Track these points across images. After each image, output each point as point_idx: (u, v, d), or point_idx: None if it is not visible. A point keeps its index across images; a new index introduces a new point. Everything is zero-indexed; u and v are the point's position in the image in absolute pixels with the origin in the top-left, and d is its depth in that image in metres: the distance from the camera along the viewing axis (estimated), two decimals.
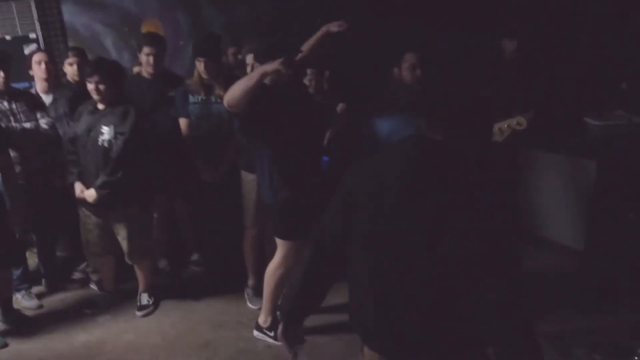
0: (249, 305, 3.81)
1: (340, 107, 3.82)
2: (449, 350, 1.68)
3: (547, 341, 3.13)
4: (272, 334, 3.38)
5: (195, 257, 4.34)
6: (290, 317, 1.99)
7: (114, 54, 4.56)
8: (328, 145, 3.73)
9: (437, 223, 1.57)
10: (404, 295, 1.66)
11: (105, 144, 3.40)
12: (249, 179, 3.60)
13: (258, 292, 3.71)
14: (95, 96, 3.42)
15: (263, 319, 3.42)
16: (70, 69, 4.02)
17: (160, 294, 3.98)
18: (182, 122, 3.81)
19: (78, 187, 3.53)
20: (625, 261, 3.41)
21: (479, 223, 1.56)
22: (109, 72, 3.40)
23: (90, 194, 3.46)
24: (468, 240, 1.54)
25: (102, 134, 3.41)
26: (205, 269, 4.27)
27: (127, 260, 3.71)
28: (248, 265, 3.86)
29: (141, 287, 3.86)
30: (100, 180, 3.42)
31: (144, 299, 3.86)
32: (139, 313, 3.79)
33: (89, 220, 3.62)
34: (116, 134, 3.40)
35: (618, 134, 3.70)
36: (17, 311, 3.75)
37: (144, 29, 4.41)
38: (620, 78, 3.72)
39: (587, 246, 3.61)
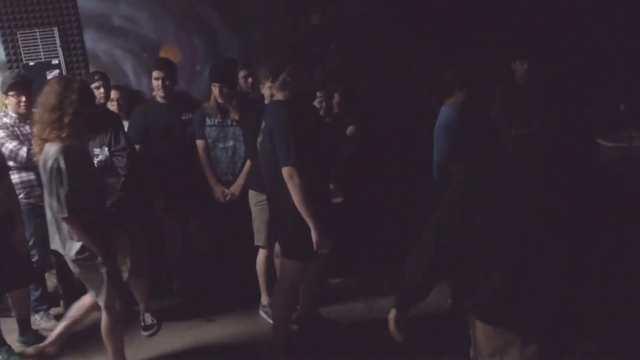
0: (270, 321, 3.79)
1: (349, 129, 3.86)
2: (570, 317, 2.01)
3: None
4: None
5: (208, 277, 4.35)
6: (406, 304, 2.21)
7: (133, 80, 4.66)
8: (340, 168, 3.76)
9: (564, 207, 1.92)
10: (537, 270, 1.95)
11: (102, 164, 3.47)
12: (259, 199, 3.63)
13: None
14: None
15: (275, 338, 3.41)
16: (97, 92, 4.08)
17: (174, 314, 4.01)
18: (199, 143, 3.89)
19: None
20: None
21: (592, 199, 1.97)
22: None
23: None
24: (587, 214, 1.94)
25: (96, 156, 3.47)
26: (215, 290, 4.28)
27: (125, 277, 3.70)
28: (262, 284, 3.87)
29: (143, 306, 3.88)
30: (113, 198, 3.44)
31: (148, 318, 3.89)
32: (145, 333, 3.83)
33: None
34: (114, 152, 3.47)
35: (632, 155, 3.69)
36: (35, 332, 3.81)
37: (162, 55, 4.51)
38: (618, 99, 3.73)
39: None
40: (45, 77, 4.49)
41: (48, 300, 4.10)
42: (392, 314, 2.21)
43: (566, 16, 4.37)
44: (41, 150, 2.86)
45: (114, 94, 4.30)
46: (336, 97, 3.98)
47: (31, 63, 4.61)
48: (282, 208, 3.11)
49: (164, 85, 3.98)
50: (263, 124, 3.10)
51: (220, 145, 3.87)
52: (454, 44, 4.31)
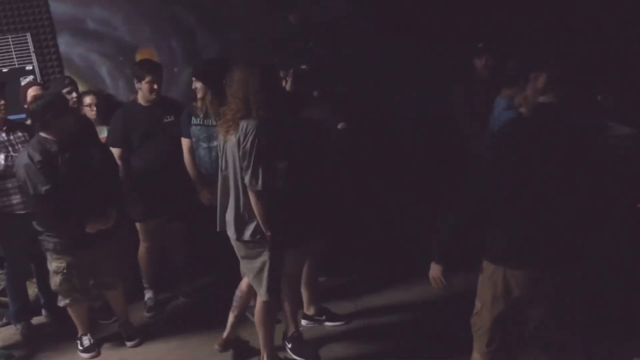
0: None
1: (340, 125, 3.86)
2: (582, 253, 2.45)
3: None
4: (290, 345, 3.52)
5: (184, 287, 4.33)
6: (444, 256, 2.57)
7: (109, 83, 4.61)
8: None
9: (575, 163, 2.36)
10: (556, 217, 2.37)
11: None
12: None
13: None
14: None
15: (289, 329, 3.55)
16: (69, 97, 3.98)
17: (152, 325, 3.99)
18: (184, 142, 3.86)
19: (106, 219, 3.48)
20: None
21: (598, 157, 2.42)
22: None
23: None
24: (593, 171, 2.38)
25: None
26: (195, 299, 4.27)
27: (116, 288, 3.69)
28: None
29: (125, 317, 3.83)
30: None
31: (130, 327, 3.85)
32: (130, 343, 3.78)
33: (80, 261, 3.51)
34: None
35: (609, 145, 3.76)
36: None
37: (139, 57, 4.46)
38: (595, 90, 3.81)
39: None
40: (19, 83, 4.41)
41: (30, 310, 4.02)
42: (435, 269, 2.58)
43: (541, 7, 4.45)
44: (227, 132, 2.97)
45: (90, 99, 4.25)
46: (315, 93, 3.98)
47: (4, 69, 4.53)
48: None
49: (158, 89, 3.95)
50: None
51: (204, 145, 3.82)
52: (435, 41, 4.36)
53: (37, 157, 3.31)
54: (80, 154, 3.44)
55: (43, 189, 3.30)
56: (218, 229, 3.18)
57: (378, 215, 4.52)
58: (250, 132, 2.89)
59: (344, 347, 3.59)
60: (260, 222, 2.98)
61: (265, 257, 3.06)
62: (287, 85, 3.79)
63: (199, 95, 3.71)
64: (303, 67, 3.78)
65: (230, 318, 3.46)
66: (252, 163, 2.90)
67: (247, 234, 3.02)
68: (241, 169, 2.94)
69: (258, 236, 3.02)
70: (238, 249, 3.14)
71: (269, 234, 3.00)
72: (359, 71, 4.57)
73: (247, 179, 2.92)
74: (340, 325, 3.82)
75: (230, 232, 3.08)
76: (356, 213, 4.34)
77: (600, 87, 3.76)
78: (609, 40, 4.34)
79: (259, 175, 2.90)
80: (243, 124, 2.92)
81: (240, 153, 2.92)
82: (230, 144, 2.98)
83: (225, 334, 3.48)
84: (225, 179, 3.08)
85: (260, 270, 3.09)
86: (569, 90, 2.42)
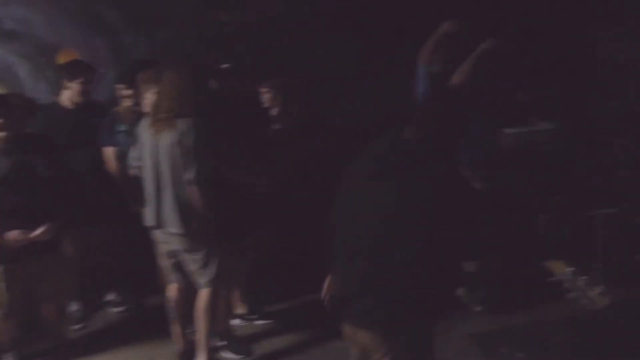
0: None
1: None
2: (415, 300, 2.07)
3: (472, 341, 3.22)
4: (224, 342, 3.51)
5: (111, 296, 4.19)
6: None
7: (29, 85, 4.42)
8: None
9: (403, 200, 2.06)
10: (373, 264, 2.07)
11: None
12: None
13: None
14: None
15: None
16: None
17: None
18: (108, 151, 3.72)
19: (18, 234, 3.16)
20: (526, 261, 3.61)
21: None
22: None
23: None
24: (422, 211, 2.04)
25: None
26: (126, 307, 4.15)
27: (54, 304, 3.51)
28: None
29: (63, 331, 3.64)
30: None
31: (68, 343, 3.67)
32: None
33: (14, 274, 3.25)
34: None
35: (535, 141, 3.93)
36: None
37: (61, 59, 4.29)
38: (515, 88, 3.94)
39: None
40: None
41: None
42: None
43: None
44: (161, 130, 3.00)
45: None
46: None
47: None
48: None
49: (89, 90, 3.79)
50: None
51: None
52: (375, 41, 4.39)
53: None
54: (26, 158, 3.25)
55: None
56: (156, 227, 3.17)
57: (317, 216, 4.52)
58: (190, 131, 2.97)
59: (271, 343, 3.64)
60: (203, 214, 3.06)
61: (211, 248, 3.14)
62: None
63: (130, 102, 3.60)
64: (224, 66, 3.76)
65: (176, 330, 3.40)
66: (195, 160, 2.98)
67: (193, 227, 3.07)
68: (182, 166, 2.99)
69: (203, 228, 3.09)
70: (181, 243, 3.15)
71: (213, 225, 3.09)
72: (295, 71, 4.55)
73: (190, 175, 2.99)
74: (271, 323, 3.86)
75: (174, 227, 3.09)
76: (293, 215, 4.32)
77: (520, 85, 3.91)
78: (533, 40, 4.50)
79: (202, 170, 3.00)
80: (180, 123, 2.98)
81: (182, 151, 2.97)
82: (166, 142, 3.00)
83: (182, 347, 3.42)
84: (159, 177, 3.08)
85: (206, 261, 3.16)
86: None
